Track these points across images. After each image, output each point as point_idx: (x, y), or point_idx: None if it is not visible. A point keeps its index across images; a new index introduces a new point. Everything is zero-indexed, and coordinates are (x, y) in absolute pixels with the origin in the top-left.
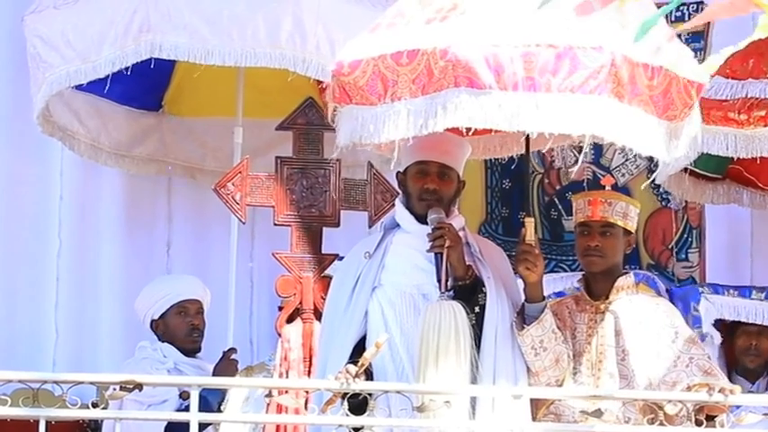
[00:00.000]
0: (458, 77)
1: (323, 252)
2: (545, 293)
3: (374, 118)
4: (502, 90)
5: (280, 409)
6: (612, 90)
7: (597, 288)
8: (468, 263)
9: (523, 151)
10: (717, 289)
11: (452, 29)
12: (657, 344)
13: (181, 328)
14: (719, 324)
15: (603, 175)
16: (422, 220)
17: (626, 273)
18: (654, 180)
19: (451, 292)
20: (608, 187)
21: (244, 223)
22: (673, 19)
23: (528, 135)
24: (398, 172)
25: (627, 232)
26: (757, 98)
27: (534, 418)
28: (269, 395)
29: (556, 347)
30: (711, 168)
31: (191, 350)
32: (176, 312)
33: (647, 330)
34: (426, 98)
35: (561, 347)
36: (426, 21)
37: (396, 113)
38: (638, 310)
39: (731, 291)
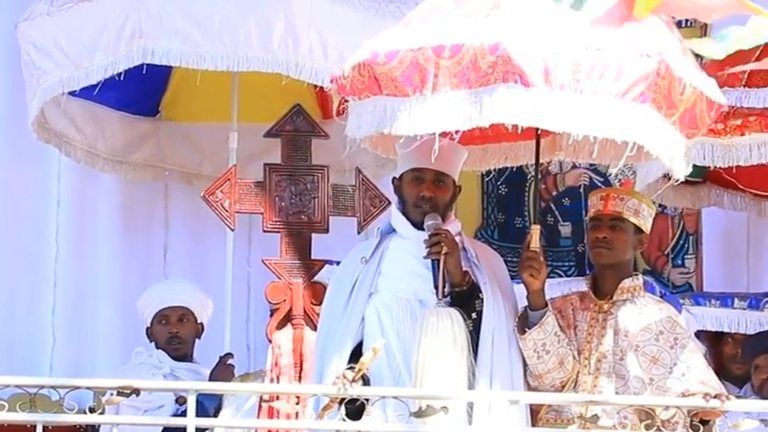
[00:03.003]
0: (507, 74)
1: (312, 258)
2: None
3: (408, 109)
4: (549, 90)
5: (271, 413)
6: (653, 99)
7: (604, 286)
8: (464, 268)
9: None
10: (698, 300)
11: (500, 26)
12: (656, 348)
13: (162, 336)
14: (705, 332)
15: (600, 181)
16: (418, 226)
17: (635, 275)
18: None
19: (448, 299)
20: None
21: (233, 230)
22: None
23: (539, 141)
24: (394, 178)
25: (639, 230)
26: (733, 107)
27: (536, 416)
28: (266, 400)
29: (559, 350)
30: (691, 172)
31: (177, 357)
32: (158, 321)
33: (647, 334)
34: (471, 92)
35: (565, 349)
36: (466, 17)
37: (435, 105)
38: (640, 312)
39: (713, 301)
